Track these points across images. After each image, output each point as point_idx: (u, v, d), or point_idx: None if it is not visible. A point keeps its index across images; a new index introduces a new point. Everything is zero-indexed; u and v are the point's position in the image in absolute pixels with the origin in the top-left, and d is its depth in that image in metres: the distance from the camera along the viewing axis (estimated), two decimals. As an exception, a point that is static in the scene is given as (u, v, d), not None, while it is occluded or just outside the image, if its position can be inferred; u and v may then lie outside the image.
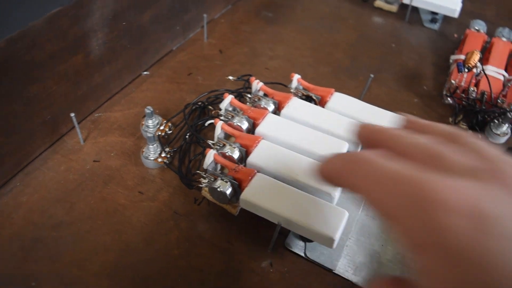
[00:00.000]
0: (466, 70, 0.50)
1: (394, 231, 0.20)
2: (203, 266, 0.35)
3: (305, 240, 0.37)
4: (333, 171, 0.24)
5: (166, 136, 0.44)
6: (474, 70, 0.52)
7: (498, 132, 0.47)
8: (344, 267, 0.36)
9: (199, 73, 0.52)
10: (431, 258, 0.18)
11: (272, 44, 0.57)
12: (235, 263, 0.35)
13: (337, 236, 0.33)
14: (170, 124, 0.45)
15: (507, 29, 0.60)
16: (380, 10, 0.66)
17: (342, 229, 0.33)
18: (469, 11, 0.68)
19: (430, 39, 0.62)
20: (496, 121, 0.47)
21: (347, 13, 0.65)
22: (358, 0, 0.68)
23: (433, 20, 0.64)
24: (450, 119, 0.49)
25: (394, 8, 0.66)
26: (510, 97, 0.48)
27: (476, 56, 0.51)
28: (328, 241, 0.33)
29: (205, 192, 0.38)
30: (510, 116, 0.47)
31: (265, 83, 0.46)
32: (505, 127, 0.47)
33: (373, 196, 0.21)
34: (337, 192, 0.35)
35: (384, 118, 0.42)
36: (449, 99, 0.51)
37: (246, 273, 0.35)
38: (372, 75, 0.47)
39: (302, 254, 0.36)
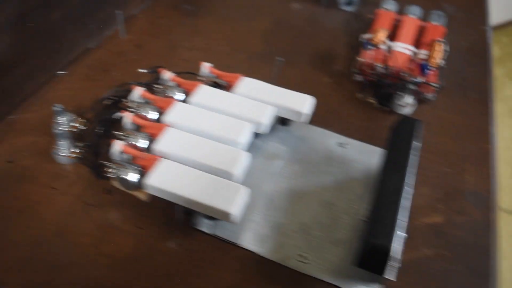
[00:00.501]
0: (372, 47, 0.53)
1: None
2: (113, 252, 0.36)
3: (211, 218, 0.38)
4: None
5: (80, 132, 0.45)
6: (383, 47, 0.54)
7: (402, 103, 0.50)
8: (249, 240, 0.37)
9: (116, 69, 0.53)
10: None
11: (190, 36, 0.58)
12: (144, 247, 0.37)
13: (234, 211, 0.35)
14: (84, 120, 0.46)
15: (416, 7, 0.63)
16: (297, -4, 0.68)
17: (240, 203, 0.35)
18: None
19: (345, 21, 0.64)
20: (399, 93, 0.50)
21: (265, 1, 0.67)
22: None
23: (349, 3, 0.67)
24: (359, 95, 0.52)
25: (311, -7, 0.68)
26: (415, 71, 0.51)
27: (381, 34, 0.54)
28: (227, 216, 0.35)
29: (116, 182, 0.39)
30: (410, 87, 0.49)
31: (176, 73, 0.47)
32: (408, 98, 0.50)
33: None
34: (236, 170, 0.37)
35: (289, 98, 0.44)
36: (357, 76, 0.53)
37: (154, 254, 0.36)
38: (279, 58, 0.49)
39: (209, 232, 0.38)
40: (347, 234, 0.39)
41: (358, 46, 0.59)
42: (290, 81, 0.53)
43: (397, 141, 0.39)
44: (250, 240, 0.38)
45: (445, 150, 0.47)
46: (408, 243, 0.38)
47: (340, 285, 0.35)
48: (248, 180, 0.41)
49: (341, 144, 0.46)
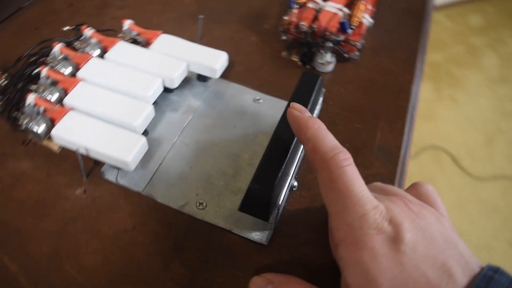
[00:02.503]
0: (297, 6, 0.54)
1: (332, 222, 0.29)
2: (22, 197, 0.39)
3: (116, 167, 0.40)
4: (318, 154, 0.31)
5: (3, 87, 0.47)
6: (311, 5, 0.55)
7: (322, 61, 0.51)
8: (150, 187, 0.40)
9: (46, 28, 0.54)
10: (351, 254, 0.27)
11: (123, -6, 0.59)
12: (51, 193, 0.39)
13: (130, 159, 0.37)
14: (5, 75, 0.47)
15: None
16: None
17: (137, 152, 0.37)
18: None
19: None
20: (320, 51, 0.51)
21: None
22: None
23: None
24: (283, 53, 0.53)
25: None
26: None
27: (308, -8, 0.55)
28: (125, 164, 0.37)
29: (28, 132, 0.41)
30: (330, 46, 0.51)
31: (98, 31, 0.48)
32: (328, 56, 0.51)
33: (329, 195, 0.29)
34: (136, 122, 0.39)
35: (203, 54, 0.46)
36: (284, 35, 0.54)
37: (60, 200, 0.39)
38: (201, 16, 0.50)
39: (115, 180, 0.40)
40: (247, 184, 0.41)
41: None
42: (218, 40, 0.54)
43: (297, 95, 0.40)
44: (152, 188, 0.40)
45: (360, 107, 0.49)
46: (300, 194, 0.40)
47: (232, 230, 0.38)
48: (157, 132, 0.43)
49: (256, 100, 0.48)
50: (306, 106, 0.38)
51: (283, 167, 0.35)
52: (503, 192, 1.55)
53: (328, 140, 0.31)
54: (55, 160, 0.41)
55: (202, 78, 0.49)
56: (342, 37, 0.51)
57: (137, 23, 0.50)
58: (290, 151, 0.36)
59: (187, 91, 0.48)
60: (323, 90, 0.47)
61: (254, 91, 0.48)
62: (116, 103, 0.41)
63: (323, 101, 0.48)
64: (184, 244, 0.37)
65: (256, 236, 0.38)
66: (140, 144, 0.38)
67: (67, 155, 0.41)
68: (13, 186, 0.39)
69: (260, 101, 0.48)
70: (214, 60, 0.45)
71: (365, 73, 0.53)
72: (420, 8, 0.64)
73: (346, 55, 0.53)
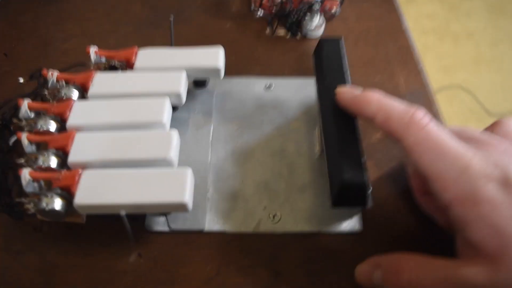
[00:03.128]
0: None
1: (434, 186, 0.26)
2: (68, 293, 0.31)
3: (164, 214, 0.34)
4: (393, 123, 0.28)
5: (-26, 175, 0.37)
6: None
7: (313, 27, 0.47)
8: (212, 222, 0.34)
9: (-11, 89, 0.44)
10: (469, 211, 0.25)
11: (61, 24, 0.50)
12: (100, 273, 0.32)
13: (187, 198, 0.30)
14: (-27, 160, 0.38)
15: None
16: None
17: (190, 188, 0.31)
18: None
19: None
20: (307, 17, 0.47)
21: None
22: None
23: None
24: (267, 31, 0.48)
25: None
26: None
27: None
28: (181, 207, 0.31)
29: (41, 216, 0.33)
30: (316, 7, 0.46)
31: (61, 71, 0.40)
32: (316, 20, 0.47)
33: (423, 159, 0.26)
34: (172, 154, 0.33)
35: (198, 56, 0.40)
36: (259, 12, 0.49)
37: (116, 276, 0.32)
38: (172, 15, 0.44)
39: (167, 229, 0.34)
40: (309, 177, 0.36)
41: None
42: (189, 38, 0.48)
43: (326, 66, 0.36)
44: (212, 221, 0.34)
45: (369, 59, 0.46)
46: (368, 164, 0.36)
47: (321, 231, 0.33)
48: (183, 159, 0.37)
49: (267, 88, 0.43)
50: (342, 78, 0.34)
51: (360, 145, 0.31)
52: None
53: (396, 104, 0.28)
54: (84, 235, 0.34)
55: (200, 84, 0.42)
56: (322, -5, 0.48)
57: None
58: (356, 127, 0.32)
59: (191, 103, 0.41)
60: None
61: (260, 79, 0.43)
62: (133, 143, 0.34)
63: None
64: (280, 266, 0.32)
65: (347, 226, 0.34)
66: (189, 178, 0.31)
67: (95, 222, 0.34)
68: (48, 283, 0.32)
69: (272, 86, 0.43)
70: (214, 59, 0.39)
71: (354, 25, 0.50)
72: None
73: (330, 13, 0.49)
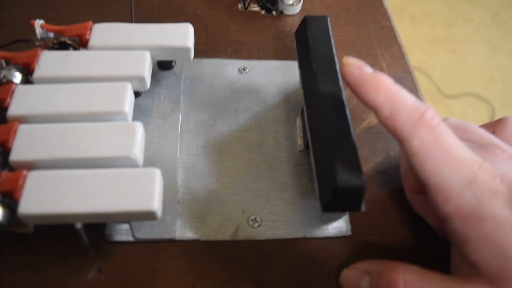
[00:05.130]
0: None
1: (434, 196, 0.23)
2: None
3: (127, 221, 0.29)
4: (400, 119, 0.24)
5: None
6: None
7: (290, 2, 0.43)
8: (184, 228, 0.30)
9: None
10: (471, 228, 0.22)
11: (-3, -11, 0.43)
12: (54, 293, 0.27)
13: (156, 205, 0.26)
14: None
15: None
16: None
17: (159, 192, 0.27)
18: None
19: None
20: (283, -10, 0.42)
21: None
22: None
23: None
24: (240, 6, 0.43)
25: None
26: None
27: None
28: (149, 215, 0.26)
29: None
30: (293, -20, 0.42)
31: (0, 47, 0.34)
32: (293, -6, 0.43)
33: (427, 165, 0.23)
34: (136, 151, 0.28)
35: (164, 34, 0.34)
36: (229, -17, 0.44)
37: (72, 297, 0.27)
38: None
39: (131, 239, 0.29)
40: (291, 174, 0.33)
41: None
42: (152, 12, 0.42)
43: (312, 47, 0.32)
44: (184, 227, 0.30)
45: (351, 40, 0.42)
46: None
47: (306, 235, 0.30)
48: (148, 155, 0.32)
49: (242, 71, 0.38)
50: (332, 61, 0.30)
51: (354, 139, 0.27)
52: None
53: (407, 98, 0.25)
54: (34, 247, 0.29)
55: (165, 66, 0.37)
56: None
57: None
58: (348, 116, 0.28)
59: (155, 88, 0.36)
60: None
61: (233, 60, 0.39)
62: (89, 137, 0.28)
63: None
64: (264, 277, 0.28)
65: (335, 229, 0.31)
66: (157, 180, 0.27)
67: (45, 231, 0.29)
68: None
69: (247, 70, 0.38)
70: (183, 37, 0.34)
71: (333, 3, 0.46)
72: None
73: (308, -13, 0.44)
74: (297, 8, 0.43)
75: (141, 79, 0.32)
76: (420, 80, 1.54)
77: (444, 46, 1.66)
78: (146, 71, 0.32)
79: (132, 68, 0.32)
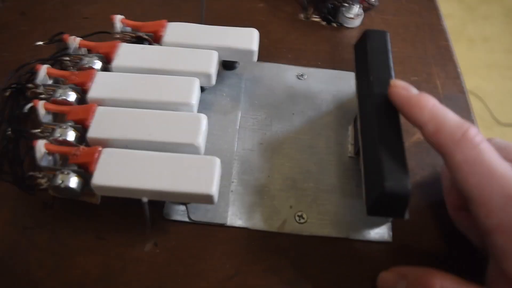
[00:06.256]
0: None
1: (477, 210, 0.24)
2: (79, 278, 0.29)
3: (185, 203, 0.32)
4: (444, 136, 0.26)
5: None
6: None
7: (351, 15, 0.44)
8: (235, 216, 0.32)
9: (3, 48, 0.41)
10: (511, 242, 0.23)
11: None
12: (113, 260, 0.30)
13: (214, 190, 0.28)
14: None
15: None
16: None
17: (217, 179, 0.29)
18: None
19: None
20: (346, 4, 0.44)
21: None
22: None
23: None
24: (302, 16, 0.46)
25: None
26: None
27: None
28: (207, 199, 0.29)
29: (53, 192, 0.31)
30: (356, -6, 0.44)
31: (84, 37, 0.37)
32: (356, 8, 0.44)
33: (470, 180, 0.25)
34: (200, 140, 0.30)
35: (231, 36, 0.37)
36: (294, -6, 0.46)
37: (130, 265, 0.30)
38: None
39: (187, 219, 0.31)
40: (339, 177, 0.34)
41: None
42: (220, 16, 0.45)
43: (371, 60, 0.33)
44: (235, 215, 0.32)
45: (407, 57, 0.44)
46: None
47: (349, 236, 0.31)
48: (207, 146, 0.34)
49: (300, 77, 0.40)
50: (389, 75, 0.32)
51: (404, 149, 0.28)
52: None
53: (450, 117, 0.26)
54: (99, 216, 0.32)
55: (229, 66, 0.40)
56: (363, -18, 0.45)
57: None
58: (400, 128, 0.29)
59: (218, 86, 0.39)
60: None
61: (292, 67, 0.41)
62: (158, 123, 0.31)
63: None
64: (304, 271, 0.30)
65: (377, 234, 0.32)
66: (217, 168, 0.29)
67: (111, 203, 0.32)
68: (58, 266, 0.30)
69: (305, 76, 0.40)
70: (249, 41, 0.37)
71: (392, 19, 0.47)
72: None
73: (368, 2, 0.46)
74: (357, 22, 0.45)
75: (208, 76, 0.35)
76: (474, 105, 1.50)
77: (501, 72, 1.61)
78: (213, 69, 0.35)
79: (200, 65, 0.35)
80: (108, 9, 0.45)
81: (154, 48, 0.36)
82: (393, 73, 0.32)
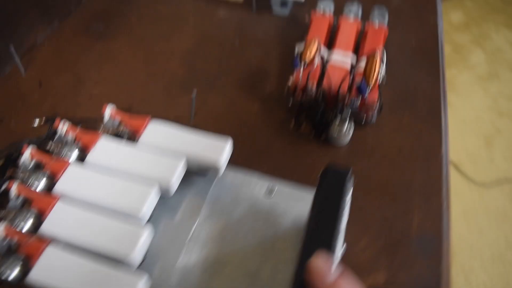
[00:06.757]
0: (303, 64, 0.46)
1: None
2: None
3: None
4: None
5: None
6: (317, 59, 0.48)
7: (340, 134, 0.44)
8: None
9: (14, 117, 0.46)
10: None
11: (99, 64, 0.51)
12: None
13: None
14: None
15: (355, 5, 0.57)
16: (225, 2, 0.61)
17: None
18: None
19: (279, 27, 0.57)
20: (337, 119, 0.44)
21: (188, 11, 0.59)
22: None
23: (284, 4, 0.60)
24: (292, 124, 0.46)
25: (240, -2, 0.61)
26: (353, 90, 0.45)
27: (313, 47, 0.48)
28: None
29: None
30: (348, 112, 0.44)
31: (74, 123, 0.40)
32: (346, 126, 0.44)
33: None
34: (134, 255, 0.31)
35: (203, 146, 0.38)
36: (290, 100, 0.47)
37: None
38: (195, 91, 0.43)
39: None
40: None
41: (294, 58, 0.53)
42: (215, 113, 0.47)
43: (320, 202, 0.33)
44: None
45: (388, 184, 0.42)
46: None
47: None
48: (155, 252, 0.35)
49: (269, 192, 0.40)
50: (332, 224, 0.31)
51: None
52: (511, 197, 1.50)
53: None
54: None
55: (201, 171, 0.41)
56: (358, 100, 0.44)
57: (119, 100, 0.43)
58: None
59: (185, 189, 0.40)
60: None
61: (265, 180, 0.41)
62: (104, 231, 0.33)
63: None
64: None
65: None
66: (144, 285, 0.30)
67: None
68: None
69: (274, 192, 0.40)
70: (217, 153, 0.38)
71: (387, 137, 0.46)
72: (433, 44, 0.58)
73: (366, 118, 0.46)
74: (346, 139, 0.44)
75: (168, 185, 0.36)
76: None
77: None
78: (175, 178, 0.36)
79: (163, 174, 0.36)
80: (113, 91, 0.48)
81: (127, 148, 0.38)
82: (340, 223, 0.31)
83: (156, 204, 0.36)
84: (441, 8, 0.67)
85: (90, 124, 0.41)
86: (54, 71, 0.50)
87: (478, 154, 1.64)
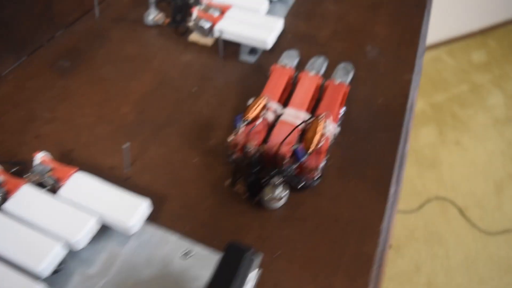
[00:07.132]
0: (244, 124, 0.46)
1: None
2: None
3: None
4: None
5: None
6: (270, 116, 0.48)
7: (271, 197, 0.43)
8: None
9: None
10: None
11: (55, 103, 0.52)
12: None
13: None
14: None
15: (321, 59, 0.56)
16: (194, 45, 0.61)
17: None
18: (302, 32, 0.63)
19: (243, 75, 0.57)
20: (271, 183, 0.43)
21: (155, 52, 0.60)
22: (175, 35, 0.63)
23: (253, 51, 0.59)
24: (227, 182, 0.45)
25: (209, 41, 0.61)
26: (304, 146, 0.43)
27: (260, 104, 0.47)
28: None
29: None
30: (277, 181, 0.42)
31: (3, 163, 0.41)
32: (279, 190, 0.43)
33: None
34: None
35: (118, 204, 0.38)
36: (231, 157, 0.46)
37: None
38: (127, 144, 0.43)
39: None
40: None
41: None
42: (152, 164, 0.46)
43: (219, 273, 0.32)
44: None
45: (314, 258, 0.40)
46: None
47: None
48: None
49: (186, 253, 0.39)
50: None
51: None
52: (516, 248, 1.44)
53: None
54: None
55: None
56: (295, 165, 0.43)
57: (62, 143, 0.44)
58: None
59: (102, 242, 0.40)
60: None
61: (184, 241, 0.40)
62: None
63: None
64: None
65: None
66: None
67: None
68: None
69: (191, 255, 0.39)
70: (129, 215, 0.38)
71: (326, 205, 0.44)
72: (400, 103, 0.56)
73: (301, 185, 0.44)
74: (278, 204, 0.43)
75: (75, 242, 0.36)
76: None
77: None
78: (81, 236, 0.36)
79: (72, 229, 0.36)
80: (59, 132, 0.48)
81: (45, 200, 0.38)
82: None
83: (71, 255, 0.36)
84: (421, 63, 0.65)
85: (29, 166, 0.42)
86: (10, 106, 0.51)
87: (486, 200, 1.58)
